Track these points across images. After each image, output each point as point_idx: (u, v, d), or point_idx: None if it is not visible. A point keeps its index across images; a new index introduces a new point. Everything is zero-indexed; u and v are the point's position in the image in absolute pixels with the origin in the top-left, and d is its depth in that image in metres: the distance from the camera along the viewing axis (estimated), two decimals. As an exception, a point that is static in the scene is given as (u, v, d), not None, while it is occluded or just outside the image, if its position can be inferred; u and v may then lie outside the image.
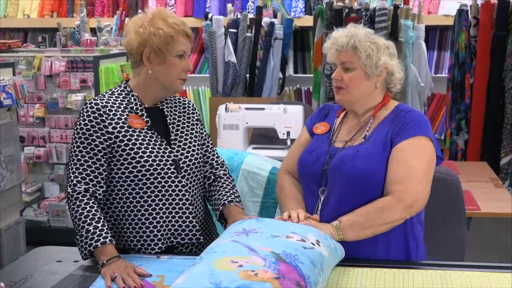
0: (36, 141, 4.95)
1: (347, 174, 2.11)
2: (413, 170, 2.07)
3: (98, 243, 2.01)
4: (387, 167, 2.10)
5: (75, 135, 2.15)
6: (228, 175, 2.40)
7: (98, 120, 2.13)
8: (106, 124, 2.14)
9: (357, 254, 2.09)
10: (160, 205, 2.17)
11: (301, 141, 2.38)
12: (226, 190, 2.32)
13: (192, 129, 2.31)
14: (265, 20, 5.54)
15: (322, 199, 2.18)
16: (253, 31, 5.55)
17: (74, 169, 2.13)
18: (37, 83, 4.90)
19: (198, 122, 2.36)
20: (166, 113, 2.26)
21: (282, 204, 2.30)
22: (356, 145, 2.18)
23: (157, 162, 2.15)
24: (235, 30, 5.50)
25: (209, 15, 5.65)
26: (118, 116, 2.16)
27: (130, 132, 2.16)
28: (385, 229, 2.08)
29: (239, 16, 5.67)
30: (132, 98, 2.21)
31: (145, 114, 2.20)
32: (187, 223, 2.20)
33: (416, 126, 2.13)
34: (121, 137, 2.14)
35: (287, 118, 3.75)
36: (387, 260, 2.09)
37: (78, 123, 2.16)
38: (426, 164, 2.11)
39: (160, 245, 2.17)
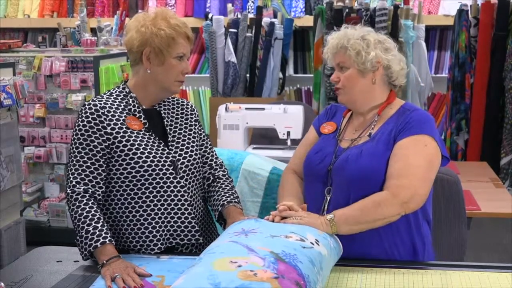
0: (36, 141, 4.95)
1: (351, 173, 2.12)
2: (411, 167, 2.07)
3: (98, 243, 2.01)
4: None
5: (74, 136, 2.15)
6: (227, 176, 2.40)
7: (97, 121, 2.14)
8: (105, 125, 2.14)
9: (363, 255, 2.10)
10: (159, 206, 2.17)
11: (308, 141, 2.39)
12: (225, 190, 2.32)
13: (190, 130, 2.31)
14: (265, 20, 5.54)
15: (328, 198, 2.19)
16: (253, 31, 5.55)
17: (73, 170, 2.13)
18: (37, 83, 4.90)
19: (197, 123, 2.36)
20: (163, 114, 2.26)
21: (279, 201, 2.31)
22: (360, 144, 2.19)
23: (156, 163, 2.15)
24: (235, 30, 5.50)
25: (209, 15, 5.65)
26: (116, 117, 2.16)
27: (128, 133, 2.16)
28: (380, 224, 2.07)
29: (239, 16, 5.67)
30: (130, 99, 2.21)
31: (143, 116, 2.20)
32: (186, 223, 2.20)
33: (419, 125, 2.13)
34: (119, 138, 2.14)
35: (287, 118, 3.75)
36: (387, 260, 2.09)
37: (76, 124, 2.16)
38: (426, 162, 2.10)
39: (159, 245, 2.17)
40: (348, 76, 2.21)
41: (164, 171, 2.16)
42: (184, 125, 2.30)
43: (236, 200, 2.29)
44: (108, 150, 2.14)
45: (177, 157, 2.21)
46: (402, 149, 2.10)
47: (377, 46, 2.20)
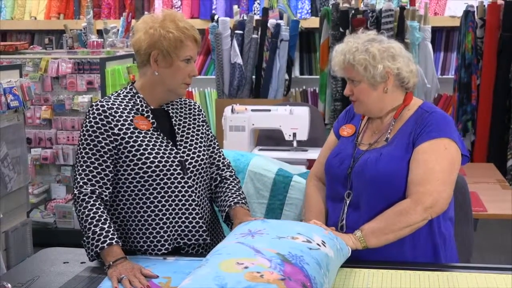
0: (43, 142, 4.97)
1: (371, 177, 2.13)
2: (433, 172, 2.08)
3: (105, 245, 2.01)
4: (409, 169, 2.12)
5: (81, 137, 2.16)
6: (234, 177, 2.40)
7: (104, 122, 2.14)
8: (112, 125, 2.14)
9: (384, 255, 2.11)
10: (167, 206, 2.18)
11: (329, 145, 2.42)
12: (232, 191, 2.32)
13: (198, 130, 2.32)
14: (271, 21, 5.54)
15: (348, 202, 2.20)
16: (259, 33, 5.56)
17: (80, 171, 2.13)
18: (43, 84, 4.91)
19: (204, 124, 2.36)
20: (171, 114, 2.26)
21: (305, 214, 2.38)
22: (379, 148, 2.20)
23: (163, 163, 2.16)
24: (241, 32, 5.51)
25: (215, 17, 5.66)
26: (124, 117, 2.17)
27: (136, 134, 2.16)
28: (407, 232, 2.09)
29: (245, 17, 5.67)
30: (138, 99, 2.22)
31: (151, 116, 2.21)
32: (194, 224, 2.20)
33: (438, 128, 2.13)
34: (127, 139, 2.15)
35: (293, 119, 3.74)
36: (394, 261, 2.09)
37: (84, 125, 2.17)
38: (447, 165, 2.11)
39: (166, 246, 2.17)
40: (360, 89, 2.21)
41: (172, 171, 2.17)
42: (192, 125, 2.31)
43: (243, 201, 2.29)
44: (116, 151, 2.15)
45: (185, 157, 2.22)
46: (422, 154, 2.11)
47: (383, 56, 2.16)
